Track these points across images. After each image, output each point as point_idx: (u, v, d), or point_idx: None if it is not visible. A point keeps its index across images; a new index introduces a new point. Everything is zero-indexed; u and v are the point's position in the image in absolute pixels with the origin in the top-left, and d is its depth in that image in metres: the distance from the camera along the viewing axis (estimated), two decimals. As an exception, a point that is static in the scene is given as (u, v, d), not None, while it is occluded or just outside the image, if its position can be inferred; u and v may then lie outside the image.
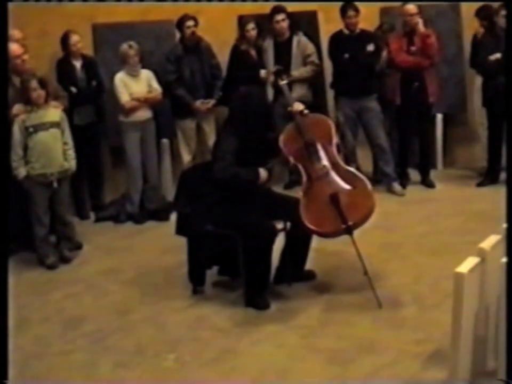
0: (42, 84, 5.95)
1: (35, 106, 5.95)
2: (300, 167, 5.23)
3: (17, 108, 5.98)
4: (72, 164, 6.13)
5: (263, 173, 5.08)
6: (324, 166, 5.19)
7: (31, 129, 5.91)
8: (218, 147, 5.17)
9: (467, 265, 3.69)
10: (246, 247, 5.02)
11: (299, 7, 7.89)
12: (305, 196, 5.09)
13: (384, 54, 7.54)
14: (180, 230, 5.31)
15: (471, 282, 3.68)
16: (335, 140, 5.34)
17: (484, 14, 7.75)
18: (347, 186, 5.14)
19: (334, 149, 5.28)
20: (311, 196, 5.09)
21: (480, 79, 7.87)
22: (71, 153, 6.12)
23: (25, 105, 5.98)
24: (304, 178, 5.19)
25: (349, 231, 4.97)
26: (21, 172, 5.92)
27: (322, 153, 5.22)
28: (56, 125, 6.02)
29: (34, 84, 5.93)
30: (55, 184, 6.03)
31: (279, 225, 5.25)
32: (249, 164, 5.04)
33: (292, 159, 5.20)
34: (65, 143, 6.08)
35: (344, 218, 4.94)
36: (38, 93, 5.93)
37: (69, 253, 6.28)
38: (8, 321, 3.95)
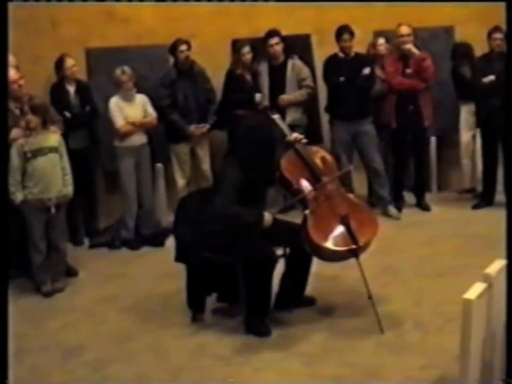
0: (34, 109, 5.90)
1: (33, 131, 5.90)
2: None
3: (15, 132, 5.94)
4: (69, 189, 6.07)
5: (267, 217, 4.95)
6: (331, 189, 5.23)
7: (29, 155, 5.87)
8: (221, 180, 5.05)
9: (475, 291, 3.65)
10: (246, 274, 4.98)
11: (293, 30, 7.88)
12: (313, 216, 5.03)
13: (382, 76, 7.57)
14: (179, 257, 5.26)
15: (479, 309, 3.65)
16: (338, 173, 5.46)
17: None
18: (355, 208, 5.19)
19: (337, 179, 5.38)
20: (320, 216, 5.05)
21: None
22: (69, 178, 6.07)
23: (24, 130, 5.93)
24: (310, 202, 5.14)
25: (356, 253, 4.96)
26: (18, 196, 5.86)
27: (327, 179, 5.24)
28: (54, 150, 5.98)
29: (25, 108, 5.91)
30: (53, 210, 5.97)
31: (279, 251, 5.22)
32: (249, 194, 4.97)
33: (295, 184, 5.17)
34: (63, 168, 6.04)
35: (354, 239, 4.95)
36: (27, 119, 5.88)
37: (60, 283, 6.16)
38: (8, 329, 3.87)
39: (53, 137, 6.04)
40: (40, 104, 6.01)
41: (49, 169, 5.94)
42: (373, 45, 7.95)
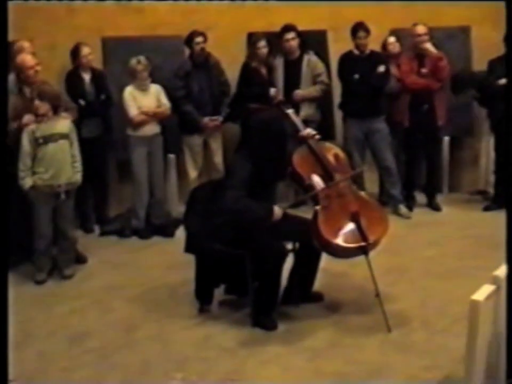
0: (41, 96, 5.88)
1: (44, 117, 5.90)
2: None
3: (27, 118, 5.93)
4: (78, 176, 6.07)
5: (277, 211, 4.93)
6: (342, 186, 5.21)
7: (40, 140, 5.87)
8: (232, 173, 5.02)
9: (483, 292, 3.65)
10: (255, 267, 4.97)
11: (309, 26, 7.87)
12: (324, 212, 5.02)
13: (398, 75, 7.56)
14: (189, 248, 5.25)
15: (486, 310, 3.65)
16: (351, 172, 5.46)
17: None
18: (366, 206, 5.17)
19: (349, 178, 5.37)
20: (331, 212, 5.04)
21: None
22: (78, 165, 6.06)
23: (36, 116, 5.92)
24: (322, 198, 5.13)
25: (365, 250, 4.95)
26: (27, 182, 5.87)
27: (339, 176, 5.23)
28: (65, 136, 5.97)
29: (34, 94, 5.94)
30: (63, 196, 5.97)
31: (288, 246, 5.23)
32: (260, 188, 4.96)
33: (307, 180, 5.16)
34: (72, 155, 6.03)
35: (364, 236, 4.94)
36: (36, 105, 5.89)
37: (69, 270, 6.18)
38: (8, 323, 3.88)
39: (64, 124, 6.02)
40: (48, 90, 5.97)
41: (60, 156, 5.94)
42: (384, 43, 7.93)
